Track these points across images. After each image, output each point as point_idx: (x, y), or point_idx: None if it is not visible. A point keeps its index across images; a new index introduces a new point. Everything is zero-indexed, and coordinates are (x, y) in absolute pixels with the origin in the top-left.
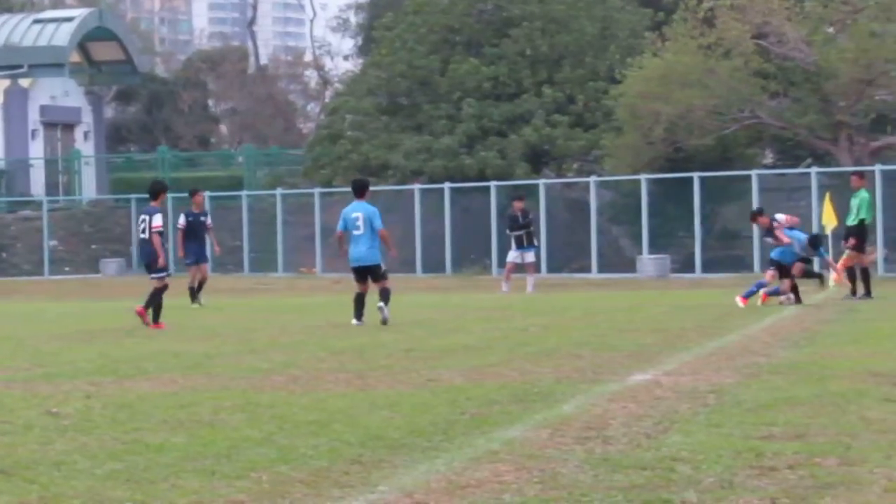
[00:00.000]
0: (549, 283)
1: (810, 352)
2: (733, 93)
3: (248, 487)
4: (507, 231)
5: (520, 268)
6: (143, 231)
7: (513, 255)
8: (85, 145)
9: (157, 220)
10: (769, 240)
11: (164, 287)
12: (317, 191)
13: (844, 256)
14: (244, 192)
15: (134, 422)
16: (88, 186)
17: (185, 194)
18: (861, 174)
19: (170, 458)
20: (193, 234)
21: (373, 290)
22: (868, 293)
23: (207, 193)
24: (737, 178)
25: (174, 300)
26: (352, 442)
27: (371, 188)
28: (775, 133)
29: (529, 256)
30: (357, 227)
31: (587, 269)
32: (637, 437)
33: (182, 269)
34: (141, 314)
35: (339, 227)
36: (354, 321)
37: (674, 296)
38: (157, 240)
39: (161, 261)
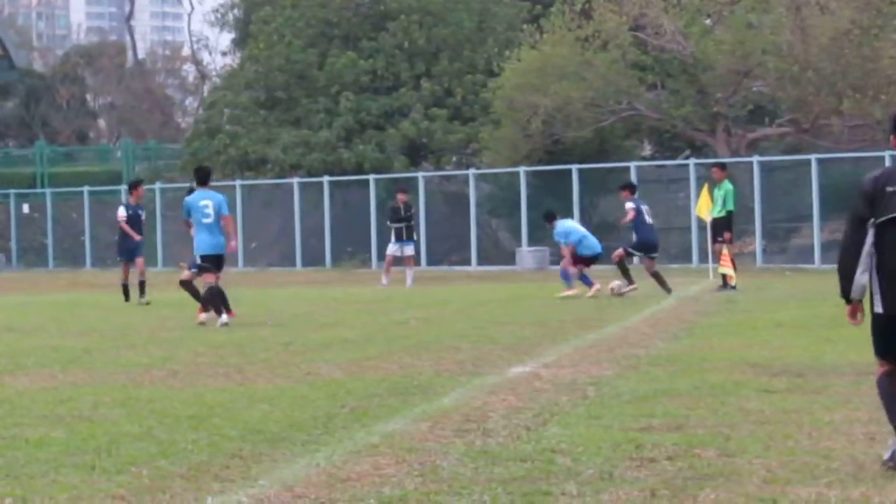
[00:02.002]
0: (429, 277)
1: (689, 343)
2: (611, 85)
3: (128, 482)
4: (388, 222)
5: (399, 261)
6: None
7: (392, 248)
8: None
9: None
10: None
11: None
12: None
13: (724, 252)
14: (123, 187)
15: (13, 417)
16: None
17: (63, 189)
18: (723, 165)
19: (49, 453)
20: (130, 227)
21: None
22: (726, 285)
23: (87, 189)
24: (615, 169)
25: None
26: (231, 436)
27: (250, 182)
28: (653, 125)
29: (408, 250)
30: (207, 216)
31: (467, 262)
32: (517, 430)
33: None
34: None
35: (186, 216)
36: (225, 317)
37: (553, 288)
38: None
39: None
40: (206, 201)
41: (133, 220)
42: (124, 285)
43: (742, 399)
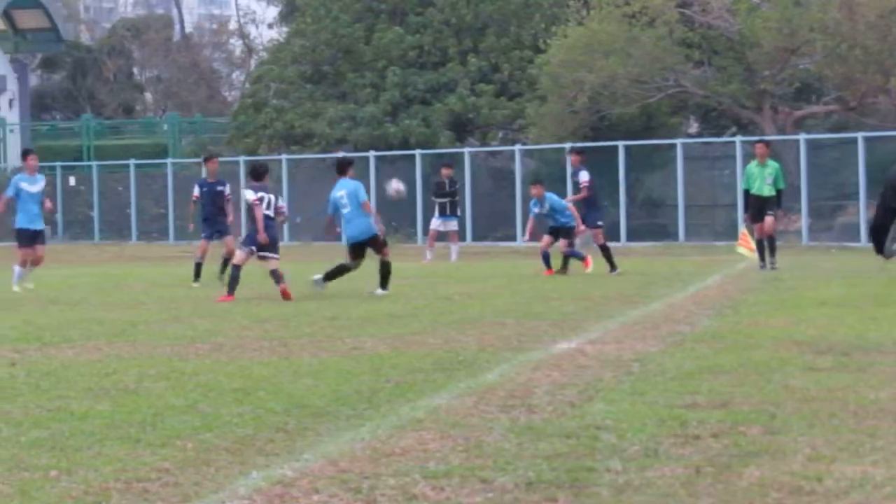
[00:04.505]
0: (473, 252)
1: (734, 320)
2: (657, 62)
3: (172, 455)
4: (432, 197)
5: (443, 236)
6: (268, 208)
7: (435, 223)
8: (9, 113)
9: (281, 201)
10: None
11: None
12: (241, 159)
13: (743, 231)
14: (169, 160)
15: (58, 389)
16: (13, 154)
17: (109, 162)
18: (768, 143)
19: (94, 425)
20: (209, 205)
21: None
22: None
23: (133, 161)
24: (661, 146)
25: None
26: (276, 410)
27: (295, 156)
28: (699, 102)
29: (451, 225)
30: (345, 206)
31: (511, 238)
32: (561, 406)
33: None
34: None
35: (330, 210)
36: (321, 279)
37: (598, 264)
38: (281, 219)
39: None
40: (341, 192)
41: (212, 197)
42: (198, 263)
43: (787, 377)
